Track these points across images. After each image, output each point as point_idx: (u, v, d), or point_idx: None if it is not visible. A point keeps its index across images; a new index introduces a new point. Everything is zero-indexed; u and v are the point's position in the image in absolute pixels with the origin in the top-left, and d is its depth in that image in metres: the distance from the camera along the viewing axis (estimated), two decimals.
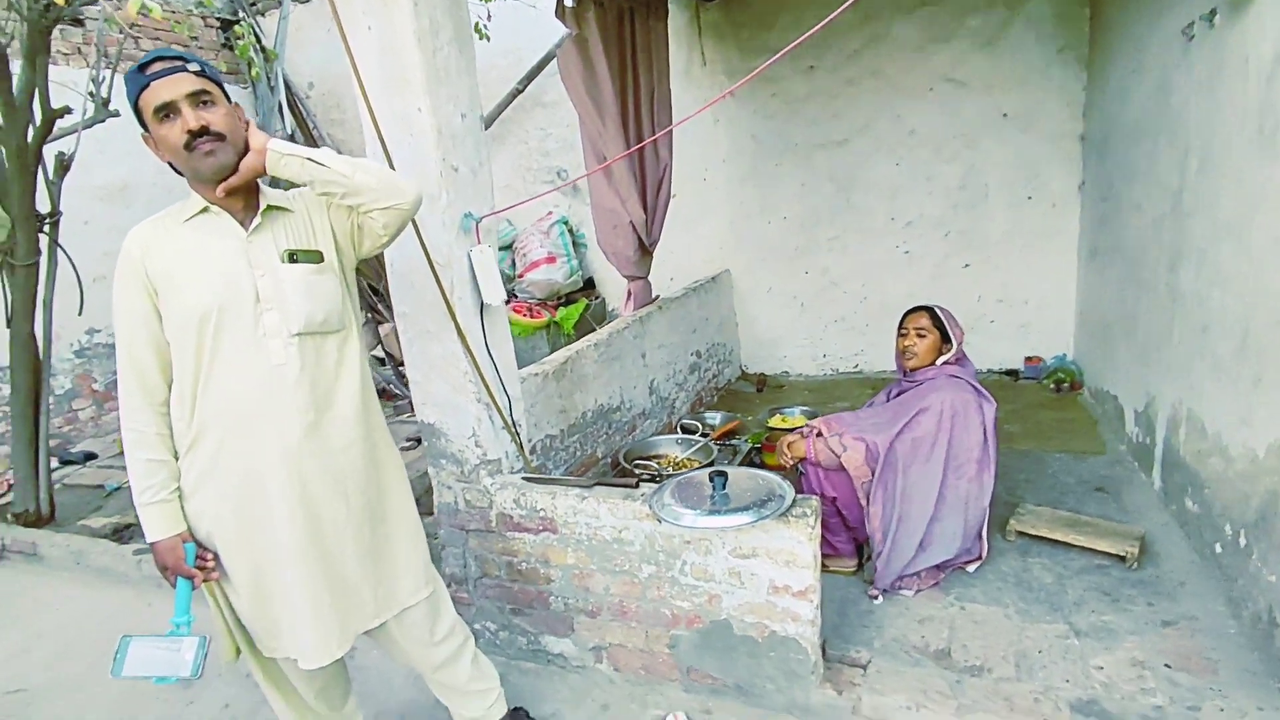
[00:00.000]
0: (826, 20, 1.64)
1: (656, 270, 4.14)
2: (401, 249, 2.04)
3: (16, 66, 3.13)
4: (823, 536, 2.47)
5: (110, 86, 3.45)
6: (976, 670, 1.99)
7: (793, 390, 4.74)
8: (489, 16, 4.24)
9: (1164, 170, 2.79)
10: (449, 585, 2.36)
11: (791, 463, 2.52)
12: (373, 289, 5.52)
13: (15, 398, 3.53)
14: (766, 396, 4.62)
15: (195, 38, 5.62)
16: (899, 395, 2.58)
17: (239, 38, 5.04)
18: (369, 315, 5.63)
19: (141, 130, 1.46)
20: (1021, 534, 2.62)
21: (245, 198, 1.51)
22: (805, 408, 3.86)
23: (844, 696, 1.90)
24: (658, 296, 4.07)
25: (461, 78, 2.10)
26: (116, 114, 3.41)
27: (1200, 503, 2.43)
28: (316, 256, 1.55)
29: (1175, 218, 2.66)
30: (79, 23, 4.92)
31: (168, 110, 1.39)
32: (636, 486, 2.10)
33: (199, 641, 1.49)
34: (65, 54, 4.87)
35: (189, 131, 1.39)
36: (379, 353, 5.50)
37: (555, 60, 4.11)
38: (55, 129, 3.40)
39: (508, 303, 4.92)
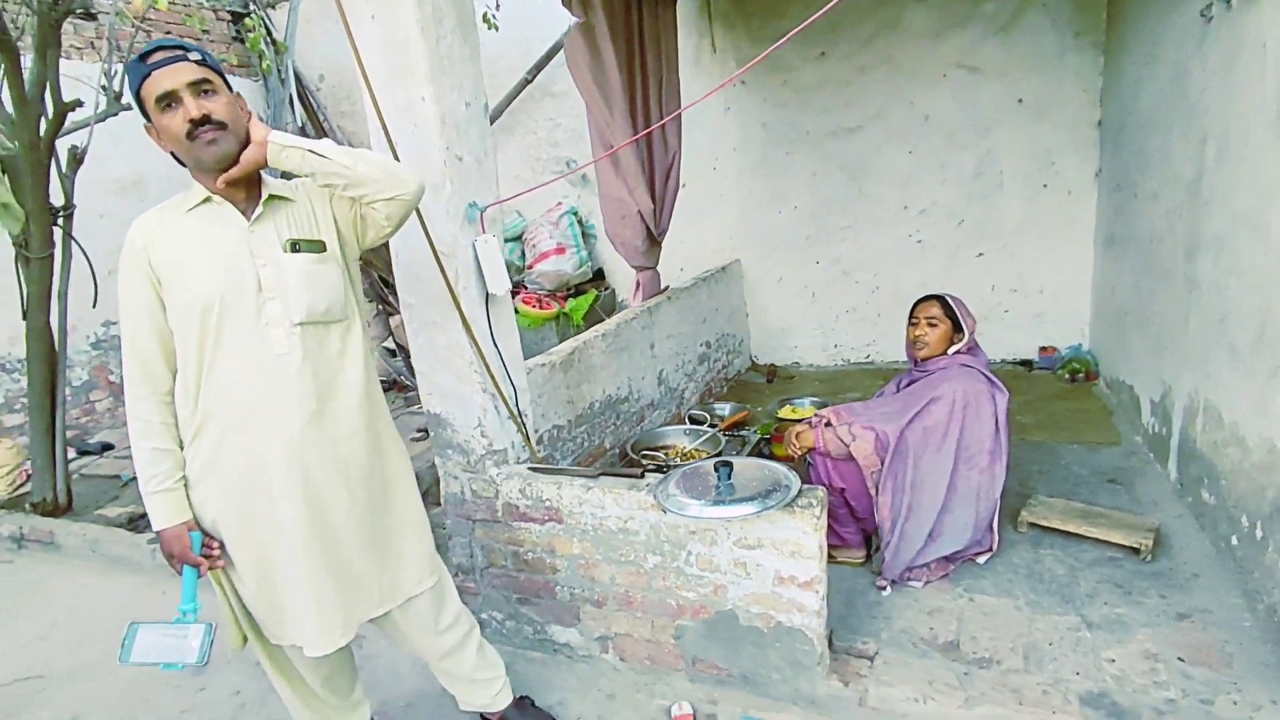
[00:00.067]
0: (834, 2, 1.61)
1: (666, 260, 4.12)
2: (406, 239, 2.04)
3: (28, 60, 3.14)
4: (830, 527, 2.45)
5: (122, 80, 3.47)
6: (985, 662, 1.97)
7: (803, 381, 4.71)
8: (497, 6, 4.22)
9: (1181, 158, 2.73)
10: (456, 575, 2.37)
11: (800, 453, 2.51)
12: (384, 280, 5.54)
13: (32, 389, 3.57)
14: (777, 387, 4.59)
15: (207, 31, 5.64)
16: (910, 385, 2.56)
17: (249, 30, 5.06)
18: (380, 307, 5.66)
19: (144, 121, 1.47)
20: (1033, 525, 2.59)
21: (247, 188, 1.51)
22: (815, 398, 3.84)
23: (850, 688, 1.89)
24: (667, 287, 4.06)
25: (465, 66, 2.09)
26: (129, 107, 3.43)
27: (1216, 494, 2.39)
28: (319, 246, 1.55)
29: (1192, 206, 2.61)
30: (91, 17, 4.93)
31: (169, 99, 1.39)
32: (642, 477, 2.10)
33: (205, 629, 1.50)
34: (79, 48, 4.91)
35: (191, 120, 1.39)
36: (390, 344, 5.53)
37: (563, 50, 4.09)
38: (68, 122, 3.43)
39: (517, 294, 4.96)
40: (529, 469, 2.22)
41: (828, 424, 2.46)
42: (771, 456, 3.15)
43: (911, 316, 2.55)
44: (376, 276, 5.57)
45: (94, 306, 3.84)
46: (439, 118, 1.98)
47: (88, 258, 3.63)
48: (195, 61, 1.42)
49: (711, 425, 3.30)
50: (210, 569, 1.54)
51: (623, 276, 5.14)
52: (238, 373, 1.47)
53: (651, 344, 3.62)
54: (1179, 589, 2.21)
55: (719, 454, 2.91)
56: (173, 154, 1.49)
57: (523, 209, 5.40)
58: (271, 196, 1.53)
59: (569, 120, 5.12)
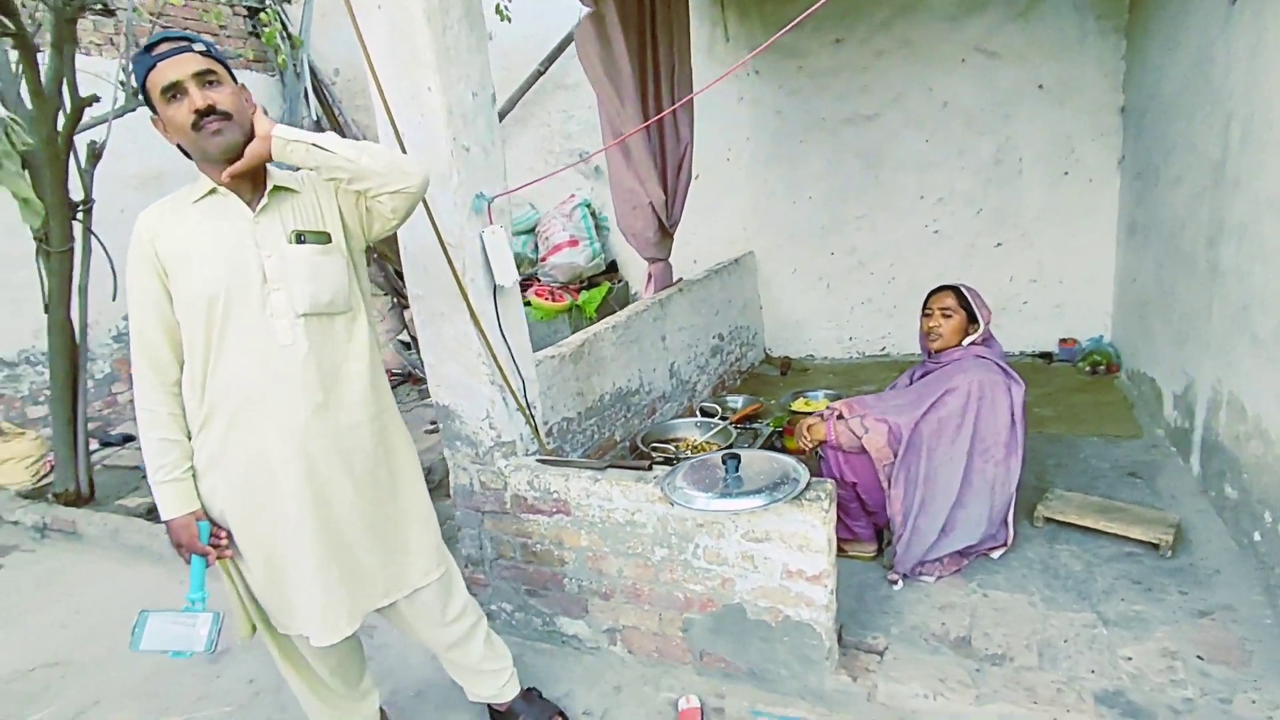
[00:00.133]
0: None
1: (679, 252, 4.10)
2: (414, 230, 2.03)
3: (45, 57, 3.18)
4: (841, 521, 2.44)
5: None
6: (998, 659, 1.93)
7: (817, 373, 4.66)
8: None
9: (1205, 142, 2.66)
10: (465, 566, 2.38)
11: (811, 446, 2.48)
12: (398, 273, 5.57)
13: (54, 382, 3.64)
14: (790, 380, 4.55)
15: (224, 26, 5.69)
16: (923, 377, 2.52)
17: (265, 25, 5.10)
18: (395, 299, 5.69)
19: (151, 114, 1.47)
20: (1050, 520, 2.54)
21: (252, 179, 1.51)
22: (829, 391, 3.80)
23: (859, 683, 1.87)
24: (680, 279, 4.03)
25: (472, 56, 2.08)
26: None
27: (1239, 488, 2.33)
28: (324, 237, 1.55)
29: (1216, 191, 2.54)
30: (110, 13, 4.99)
31: (175, 90, 1.40)
32: (649, 469, 2.08)
33: (213, 617, 1.52)
34: (97, 44, 4.97)
35: (196, 111, 1.40)
36: (405, 337, 5.56)
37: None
38: (87, 118, 3.47)
39: (529, 286, 4.96)
40: (537, 461, 2.22)
41: (840, 416, 2.43)
42: (784, 449, 3.13)
43: (925, 307, 2.50)
44: (391, 269, 5.60)
45: (114, 300, 3.90)
46: (446, 108, 1.97)
47: (107, 252, 3.68)
48: (200, 52, 1.42)
49: (723, 418, 3.28)
50: (218, 558, 1.56)
51: (636, 269, 5.12)
52: (243, 363, 1.48)
53: (663, 336, 3.61)
54: (1200, 585, 2.16)
55: (729, 447, 2.89)
56: (179, 147, 1.50)
57: (536, 201, 5.40)
58: (276, 188, 1.53)
59: (582, 112, 5.10)
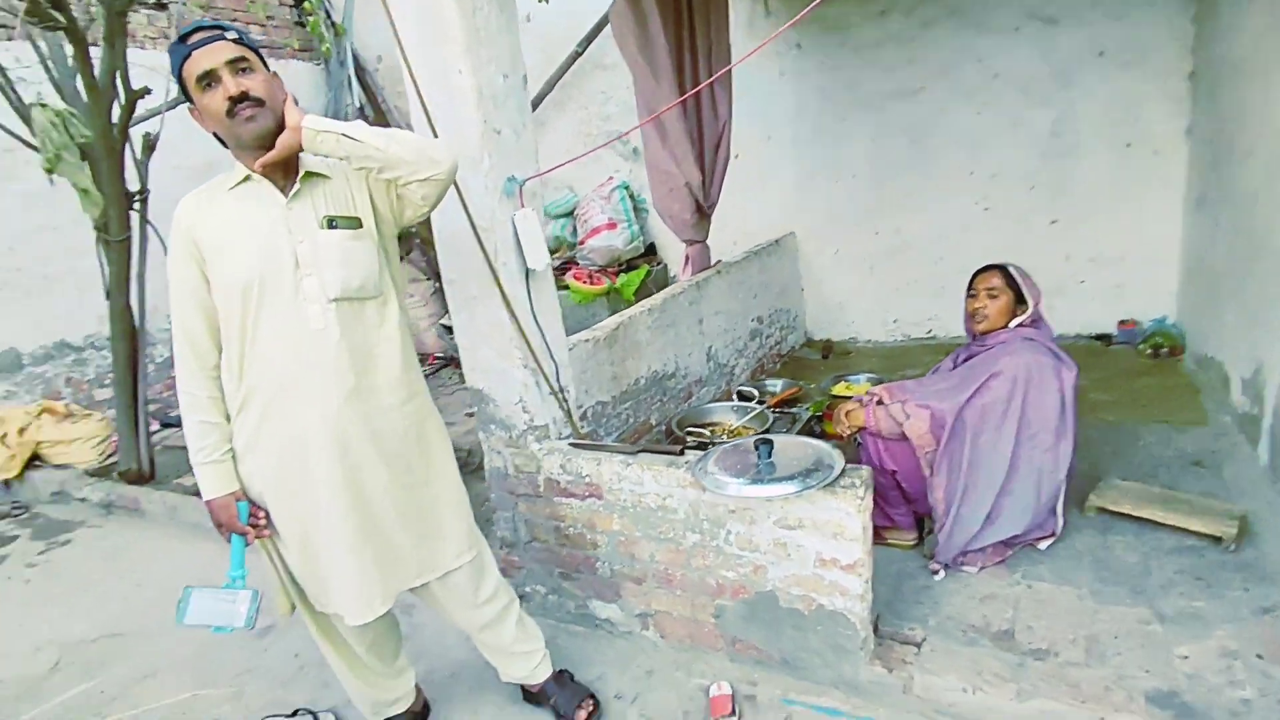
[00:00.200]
0: None
1: (719, 234, 4.03)
2: (446, 214, 2.04)
3: (98, 52, 3.28)
4: (880, 508, 2.38)
5: None
6: (1041, 654, 1.86)
7: (860, 357, 4.55)
8: None
9: None
10: (501, 549, 2.40)
11: (849, 433, 2.42)
12: None
13: (117, 365, 3.80)
14: (832, 363, 4.46)
15: (271, 17, 5.81)
16: (968, 360, 2.42)
17: (309, 14, 5.18)
18: (437, 284, 5.76)
19: (188, 104, 1.50)
20: (1102, 510, 2.43)
21: (285, 166, 1.53)
22: (871, 375, 3.70)
23: (894, 675, 1.82)
24: (718, 261, 3.97)
25: (502, 37, 2.06)
26: None
27: None
28: (355, 222, 1.56)
29: None
30: (162, 6, 5.16)
31: (209, 79, 1.42)
32: (681, 454, 2.06)
33: (252, 595, 1.57)
34: (152, 38, 5.12)
35: (230, 98, 1.42)
36: (447, 321, 5.63)
37: None
38: (143, 110, 3.58)
39: (568, 269, 4.96)
40: (569, 445, 2.22)
41: (879, 402, 2.36)
42: (823, 434, 3.06)
43: (970, 288, 2.40)
44: (433, 254, 5.67)
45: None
46: (476, 90, 1.96)
47: (163, 241, 3.80)
48: (232, 40, 1.45)
49: (760, 402, 3.23)
50: (257, 538, 1.60)
51: (675, 251, 5.06)
52: (277, 348, 1.51)
53: (700, 319, 3.56)
54: (1265, 581, 2.03)
55: (766, 431, 2.84)
56: (216, 135, 1.53)
57: (575, 184, 5.38)
58: (309, 174, 1.54)
59: (621, 93, 5.04)
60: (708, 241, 3.85)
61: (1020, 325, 2.32)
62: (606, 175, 5.22)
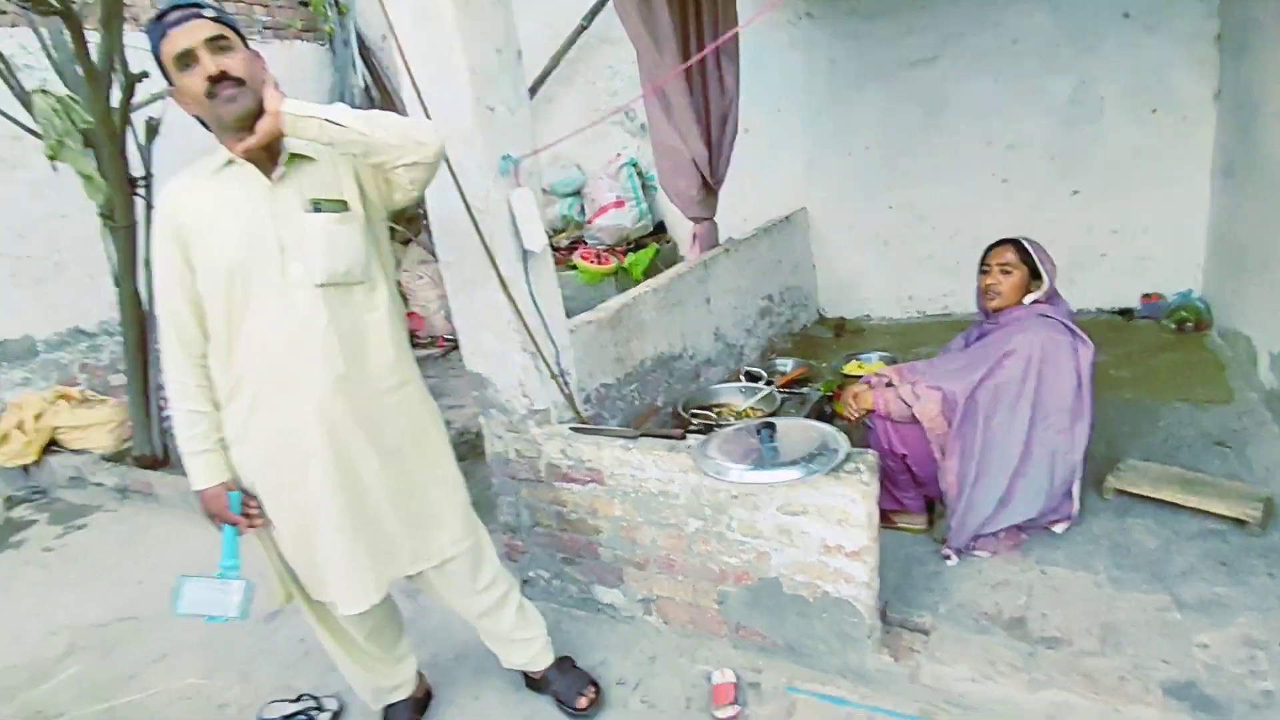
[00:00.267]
0: None
1: (729, 211, 3.95)
2: (440, 195, 1.99)
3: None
4: (889, 492, 2.32)
5: None
6: (1054, 642, 1.80)
7: (874, 334, 4.46)
8: None
9: None
10: (504, 533, 2.39)
11: (857, 415, 2.35)
12: None
13: (127, 351, 3.82)
14: (845, 342, 4.37)
15: None
16: (980, 338, 2.34)
17: None
18: None
19: (168, 86, 1.46)
20: (1121, 493, 2.35)
21: (268, 148, 1.48)
22: (884, 353, 3.62)
23: (902, 663, 1.78)
24: (728, 239, 3.89)
25: (495, 11, 2.00)
26: None
27: None
28: (341, 205, 1.52)
29: None
30: None
31: (187, 58, 1.38)
32: (683, 438, 2.02)
33: (244, 585, 1.55)
34: None
35: (209, 78, 1.37)
36: None
37: None
38: (146, 94, 3.54)
39: (575, 249, 4.90)
40: (570, 429, 2.18)
41: (889, 384, 2.29)
42: (833, 415, 3.00)
43: (983, 263, 2.31)
44: None
45: None
46: (468, 67, 1.91)
47: None
48: (210, 18, 1.40)
49: (769, 382, 3.17)
50: (250, 527, 1.58)
51: (685, 229, 4.95)
52: (265, 335, 1.48)
53: (707, 299, 3.49)
54: None
55: (775, 413, 2.79)
56: (199, 119, 1.48)
57: (582, 163, 5.30)
58: (294, 156, 1.50)
59: (628, 68, 4.92)
60: (716, 219, 3.77)
61: (1035, 302, 2.23)
62: (614, 152, 5.13)
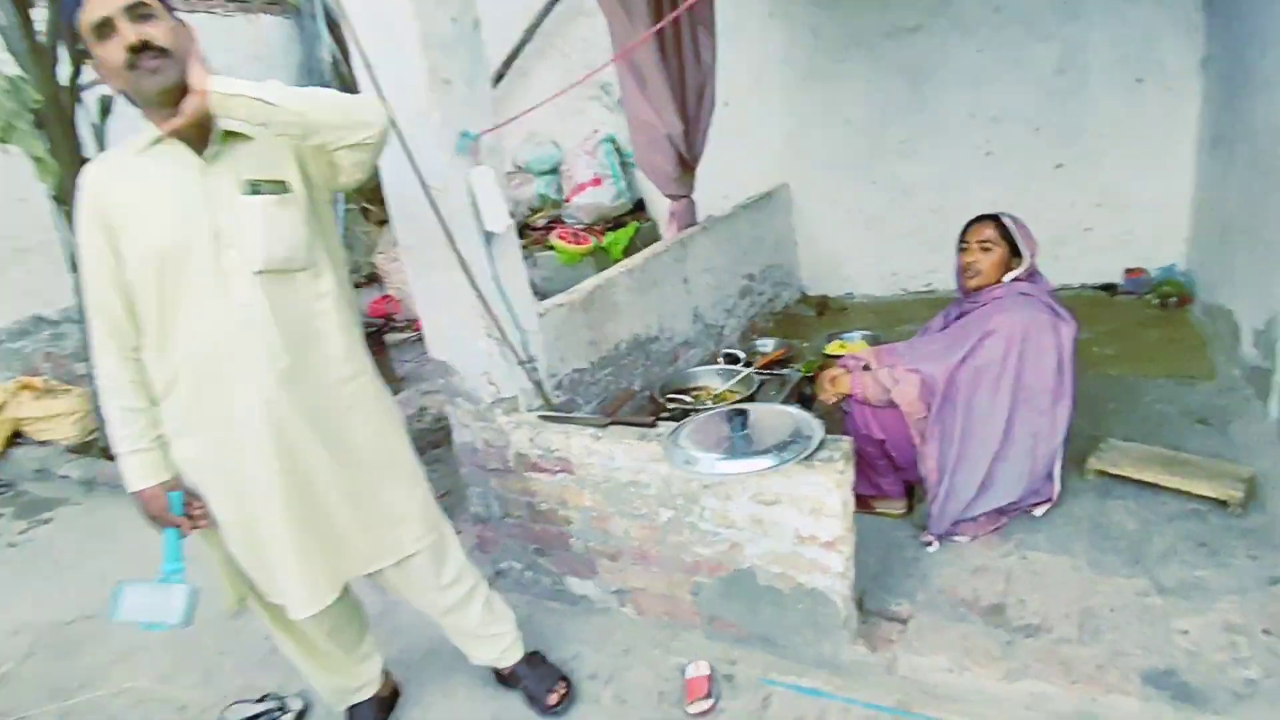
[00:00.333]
0: None
1: (710, 188, 3.85)
2: (396, 175, 1.90)
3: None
4: (867, 477, 2.28)
5: None
6: (1033, 630, 1.76)
7: (856, 312, 4.40)
8: None
9: None
10: (474, 525, 2.32)
11: (834, 400, 2.29)
12: None
13: (89, 338, 3.69)
14: (828, 320, 4.31)
15: None
16: (959, 318, 2.28)
17: None
18: None
19: (90, 59, 1.35)
20: (1102, 473, 2.31)
21: (199, 125, 1.38)
22: (867, 332, 3.56)
23: (878, 655, 1.74)
24: (707, 216, 3.79)
25: None
26: None
27: None
28: (281, 187, 1.42)
29: None
30: None
31: (105, 27, 1.27)
32: (654, 425, 1.95)
33: (188, 590, 1.48)
34: None
35: (129, 48, 1.26)
36: None
37: None
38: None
39: (553, 229, 4.79)
40: (539, 417, 2.11)
41: (866, 367, 2.23)
42: (813, 397, 2.94)
43: (962, 240, 2.24)
44: None
45: None
46: (420, 37, 1.80)
47: None
48: None
49: (747, 364, 3.10)
50: (193, 528, 1.50)
51: (664, 207, 4.86)
52: (201, 328, 1.39)
53: (685, 279, 3.41)
54: (1274, 548, 1.92)
55: (752, 396, 2.72)
56: (123, 94, 1.38)
57: (559, 139, 5.16)
58: (228, 134, 1.40)
59: (605, 40, 4.73)
60: (695, 196, 3.67)
61: (1015, 279, 2.17)
62: (591, 129, 5.00)
